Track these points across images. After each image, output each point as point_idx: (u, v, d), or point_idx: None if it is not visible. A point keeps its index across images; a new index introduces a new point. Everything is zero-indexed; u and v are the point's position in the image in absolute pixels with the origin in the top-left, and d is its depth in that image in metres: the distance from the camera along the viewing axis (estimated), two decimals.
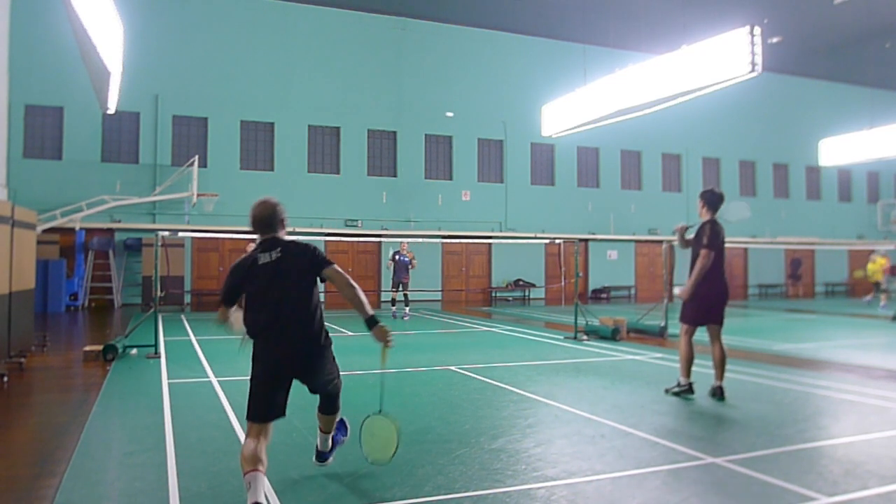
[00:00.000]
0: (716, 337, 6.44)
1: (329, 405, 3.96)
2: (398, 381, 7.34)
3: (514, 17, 22.81)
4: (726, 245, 6.53)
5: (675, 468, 4.17)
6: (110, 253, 18.71)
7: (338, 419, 4.06)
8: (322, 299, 3.86)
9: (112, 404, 6.06)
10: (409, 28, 22.58)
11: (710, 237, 6.29)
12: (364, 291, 3.69)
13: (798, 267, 25.96)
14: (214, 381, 7.16)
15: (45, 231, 16.82)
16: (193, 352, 9.55)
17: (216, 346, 10.45)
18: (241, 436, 4.90)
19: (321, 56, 21.50)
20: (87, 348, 8.83)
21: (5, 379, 6.96)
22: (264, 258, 3.62)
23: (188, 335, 11.63)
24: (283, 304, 3.56)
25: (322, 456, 4.07)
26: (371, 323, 3.64)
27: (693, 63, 10.97)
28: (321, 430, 4.03)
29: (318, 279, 3.68)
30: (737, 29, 10.15)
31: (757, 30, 9.92)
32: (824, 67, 28.00)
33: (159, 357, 8.81)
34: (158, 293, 9.35)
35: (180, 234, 12.15)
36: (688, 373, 6.49)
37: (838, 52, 25.95)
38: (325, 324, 3.75)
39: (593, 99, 13.89)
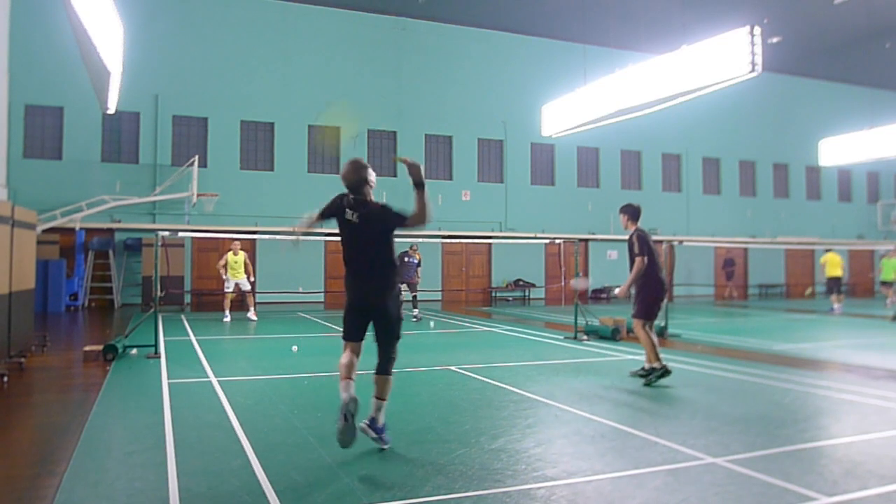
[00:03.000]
0: (648, 327, 7.22)
1: (381, 366, 4.56)
2: (398, 381, 7.30)
3: (513, 17, 22.80)
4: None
5: (675, 468, 4.17)
6: (110, 253, 18.71)
7: (390, 384, 4.58)
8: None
9: (112, 404, 6.06)
10: (409, 28, 22.58)
11: (640, 245, 7.13)
12: None
13: (731, 266, 24.50)
14: (214, 381, 7.16)
15: (45, 231, 16.82)
16: (193, 352, 9.55)
17: (216, 346, 10.46)
18: (242, 436, 4.91)
19: (321, 56, 21.50)
20: (87, 348, 8.83)
21: (5, 379, 6.96)
22: (350, 217, 4.47)
23: (188, 335, 11.63)
24: (361, 256, 4.50)
25: (373, 423, 4.47)
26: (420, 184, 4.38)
27: (693, 63, 10.96)
28: (375, 396, 4.52)
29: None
30: (737, 29, 10.14)
31: (757, 30, 9.91)
32: (824, 67, 27.99)
33: (159, 357, 8.81)
34: (158, 293, 9.35)
35: (180, 234, 12.15)
36: (656, 357, 7.05)
37: (838, 52, 25.94)
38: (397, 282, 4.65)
39: (593, 99, 13.88)
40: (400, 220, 4.41)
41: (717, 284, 26.08)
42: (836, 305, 17.69)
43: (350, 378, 4.52)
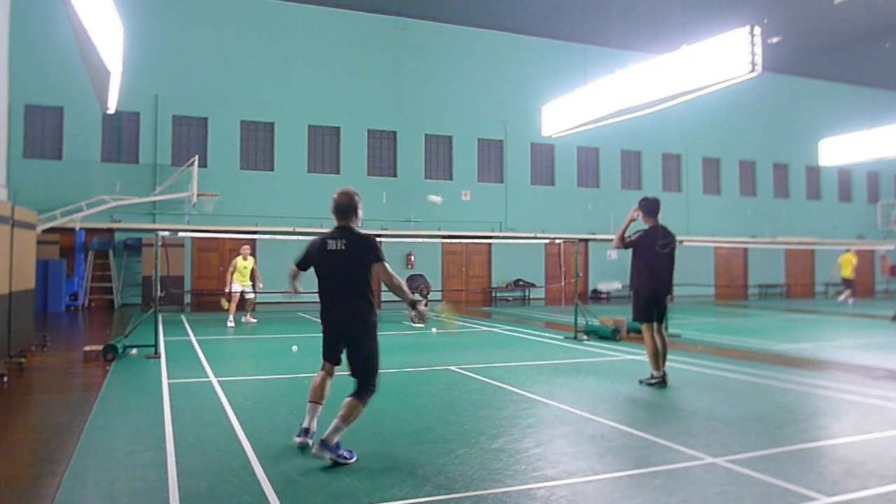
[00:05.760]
0: (657, 331, 7.07)
1: (360, 387, 4.39)
2: (398, 381, 7.34)
3: (513, 17, 22.78)
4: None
5: (675, 468, 4.17)
6: (110, 253, 18.71)
7: (359, 411, 4.33)
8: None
9: (112, 404, 6.06)
10: (409, 28, 22.57)
11: (634, 238, 7.15)
12: None
13: None
14: (214, 381, 7.16)
15: (45, 231, 16.82)
16: (193, 352, 9.55)
17: (216, 346, 10.46)
18: (242, 436, 4.91)
19: (321, 56, 21.49)
20: (87, 348, 8.83)
21: (5, 379, 6.96)
22: (332, 245, 4.45)
23: (188, 335, 11.63)
24: (341, 284, 4.43)
25: (325, 445, 4.17)
26: (412, 305, 4.51)
27: (693, 63, 10.95)
28: (339, 416, 4.24)
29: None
30: (737, 29, 10.14)
31: (757, 30, 9.90)
32: (824, 67, 27.97)
33: (159, 357, 8.81)
34: (158, 293, 9.35)
35: (180, 234, 12.16)
36: (655, 365, 7.01)
37: (838, 52, 25.91)
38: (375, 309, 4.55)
39: (593, 99, 13.87)
40: (378, 258, 4.40)
41: (719, 285, 26.10)
42: (842, 298, 20.34)
43: (318, 402, 4.64)
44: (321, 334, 4.65)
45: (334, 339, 4.57)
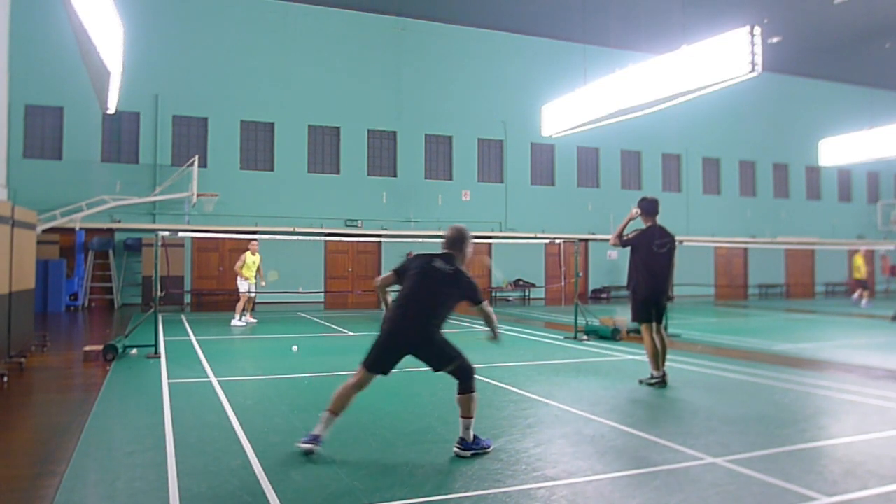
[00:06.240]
0: (657, 331, 7.07)
1: (460, 385, 4.49)
2: (398, 381, 7.33)
3: (514, 17, 22.78)
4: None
5: (675, 468, 4.17)
6: (110, 253, 18.71)
7: (474, 401, 4.48)
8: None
9: (112, 404, 6.06)
10: (409, 28, 22.57)
11: (631, 237, 7.21)
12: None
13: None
14: (214, 381, 7.16)
15: (45, 231, 16.82)
16: (193, 352, 9.55)
17: (216, 346, 10.45)
18: (242, 436, 4.91)
19: (321, 56, 21.50)
20: (87, 348, 8.83)
21: (5, 379, 6.96)
22: (439, 264, 4.66)
23: (188, 335, 11.63)
24: (427, 301, 4.52)
25: (463, 443, 4.42)
26: (495, 334, 4.84)
27: (693, 63, 10.94)
28: (462, 416, 4.47)
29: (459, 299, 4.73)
30: (737, 29, 10.14)
31: (757, 30, 9.90)
32: (824, 67, 27.97)
33: (159, 357, 8.81)
34: (158, 293, 9.35)
35: (180, 234, 12.16)
36: (655, 365, 7.01)
37: (838, 52, 25.90)
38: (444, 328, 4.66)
39: (593, 99, 13.87)
40: (479, 300, 4.71)
41: (719, 285, 26.10)
42: (857, 297, 20.96)
43: (336, 413, 4.45)
44: (377, 337, 4.52)
45: (390, 347, 4.47)
